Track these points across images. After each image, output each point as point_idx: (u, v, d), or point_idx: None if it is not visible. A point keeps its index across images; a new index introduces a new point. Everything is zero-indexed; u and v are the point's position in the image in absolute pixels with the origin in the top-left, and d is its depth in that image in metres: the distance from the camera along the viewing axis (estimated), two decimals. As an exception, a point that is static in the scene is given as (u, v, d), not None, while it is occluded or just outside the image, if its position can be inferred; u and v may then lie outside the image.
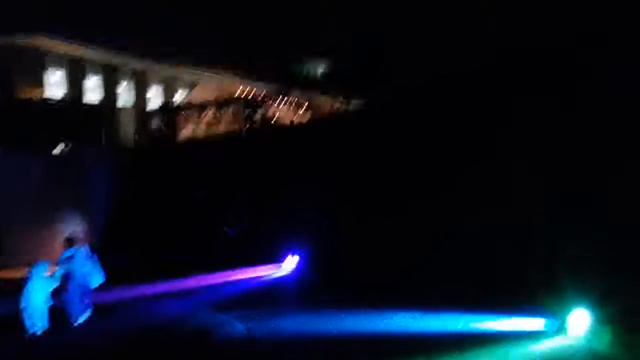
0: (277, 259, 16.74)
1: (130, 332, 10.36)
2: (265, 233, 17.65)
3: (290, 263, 16.59)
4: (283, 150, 18.79)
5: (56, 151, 23.92)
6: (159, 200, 20.74)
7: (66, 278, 11.28)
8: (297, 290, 13.96)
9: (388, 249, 14.25)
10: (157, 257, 18.96)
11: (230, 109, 23.32)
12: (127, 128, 29.37)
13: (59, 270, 11.27)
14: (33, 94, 27.48)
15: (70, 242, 12.01)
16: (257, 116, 22.55)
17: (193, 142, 22.99)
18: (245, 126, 22.39)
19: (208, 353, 9.11)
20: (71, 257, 11.49)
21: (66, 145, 24.14)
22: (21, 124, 24.11)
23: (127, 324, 11.16)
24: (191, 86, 33.61)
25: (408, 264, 13.07)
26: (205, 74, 33.42)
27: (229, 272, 16.29)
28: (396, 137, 16.17)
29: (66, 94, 29.63)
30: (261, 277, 15.72)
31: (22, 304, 10.55)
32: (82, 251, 11.75)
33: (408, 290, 11.65)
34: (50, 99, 28.50)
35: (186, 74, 34.07)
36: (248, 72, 30.96)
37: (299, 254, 16.59)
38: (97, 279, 11.63)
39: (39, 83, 28.38)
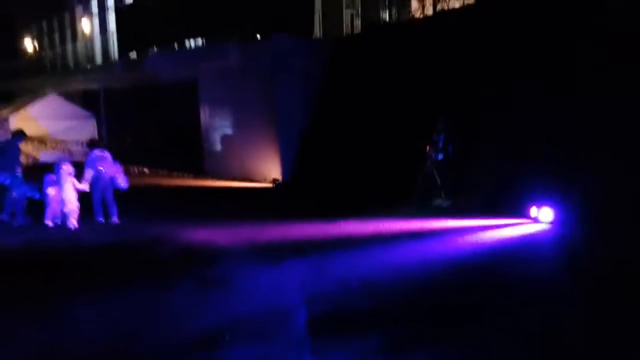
0: (513, 209, 9.38)
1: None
2: (493, 164, 10.28)
3: (538, 220, 9.14)
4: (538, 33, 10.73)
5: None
6: (356, 107, 14.58)
7: (94, 179, 10.95)
8: (549, 286, 6.47)
9: None
10: (340, 180, 13.28)
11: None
12: (347, 15, 23.14)
13: (88, 170, 10.90)
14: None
15: (93, 144, 12.75)
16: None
17: (414, 26, 15.79)
18: None
19: None
20: (99, 158, 11.02)
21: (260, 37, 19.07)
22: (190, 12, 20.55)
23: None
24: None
25: None
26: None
27: (424, 221, 9.51)
28: None
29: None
30: (477, 238, 8.48)
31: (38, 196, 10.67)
32: (108, 154, 11.24)
33: None
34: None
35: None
36: None
37: (555, 207, 9.01)
38: (122, 182, 11.23)
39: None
